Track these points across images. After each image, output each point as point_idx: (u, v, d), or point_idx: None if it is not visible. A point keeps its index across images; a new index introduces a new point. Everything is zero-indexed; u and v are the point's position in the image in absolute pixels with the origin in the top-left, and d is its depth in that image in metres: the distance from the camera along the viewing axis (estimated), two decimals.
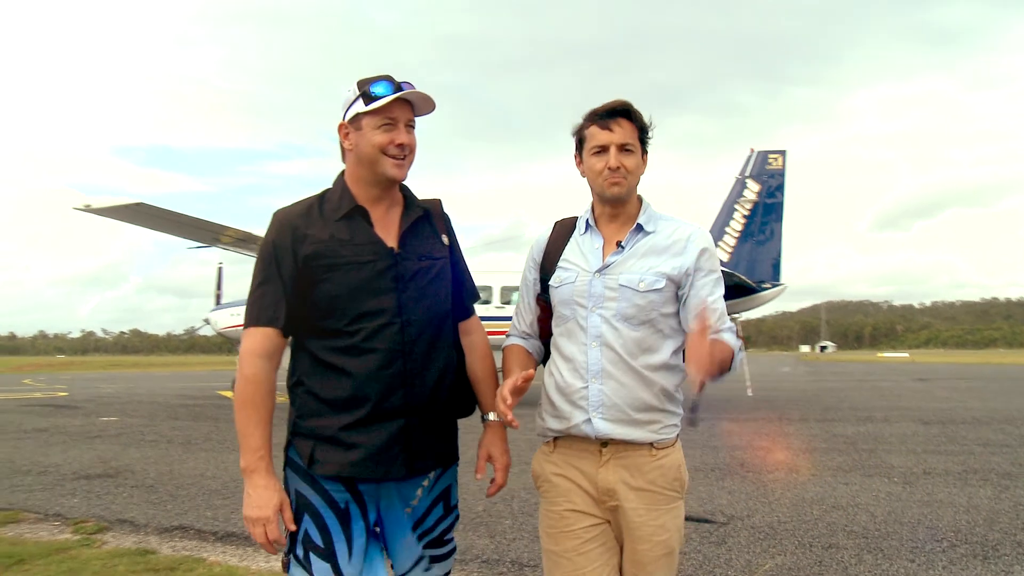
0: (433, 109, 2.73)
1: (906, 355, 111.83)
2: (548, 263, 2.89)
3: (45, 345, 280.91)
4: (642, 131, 2.78)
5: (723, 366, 2.49)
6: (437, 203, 2.90)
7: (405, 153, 2.67)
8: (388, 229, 2.70)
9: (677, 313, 2.76)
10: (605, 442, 2.69)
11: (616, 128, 2.74)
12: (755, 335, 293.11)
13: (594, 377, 2.69)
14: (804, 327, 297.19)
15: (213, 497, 8.30)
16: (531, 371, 2.66)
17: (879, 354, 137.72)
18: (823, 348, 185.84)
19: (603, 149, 2.73)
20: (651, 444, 2.69)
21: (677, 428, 2.77)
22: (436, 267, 2.74)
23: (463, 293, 2.91)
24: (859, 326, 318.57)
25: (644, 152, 2.81)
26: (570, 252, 2.85)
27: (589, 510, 2.73)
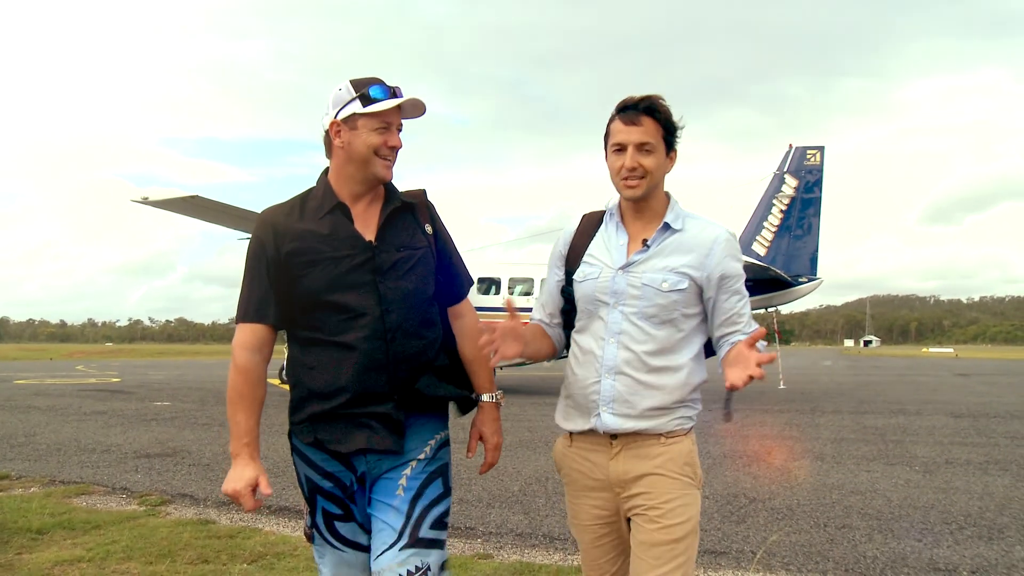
0: (422, 114, 2.83)
1: (951, 350, 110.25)
2: (573, 256, 2.88)
3: (94, 333, 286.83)
4: (667, 129, 2.71)
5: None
6: (421, 194, 2.96)
7: (394, 155, 2.78)
8: (368, 223, 2.78)
9: (700, 314, 2.74)
10: (615, 435, 2.71)
11: (636, 126, 2.69)
12: (799, 329, 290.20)
13: (608, 372, 2.69)
14: (849, 321, 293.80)
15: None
16: (526, 323, 2.74)
17: (924, 349, 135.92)
18: (867, 343, 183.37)
19: (622, 148, 2.70)
20: (661, 434, 2.68)
21: (691, 421, 2.75)
22: (416, 256, 2.80)
23: (453, 279, 2.97)
24: (905, 321, 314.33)
25: (671, 150, 2.75)
26: (595, 247, 2.84)
27: (603, 505, 2.77)
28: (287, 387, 2.84)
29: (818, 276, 22.97)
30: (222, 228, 20.81)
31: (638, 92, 2.75)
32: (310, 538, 2.83)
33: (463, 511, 6.97)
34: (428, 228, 2.88)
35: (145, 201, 16.37)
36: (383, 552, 2.67)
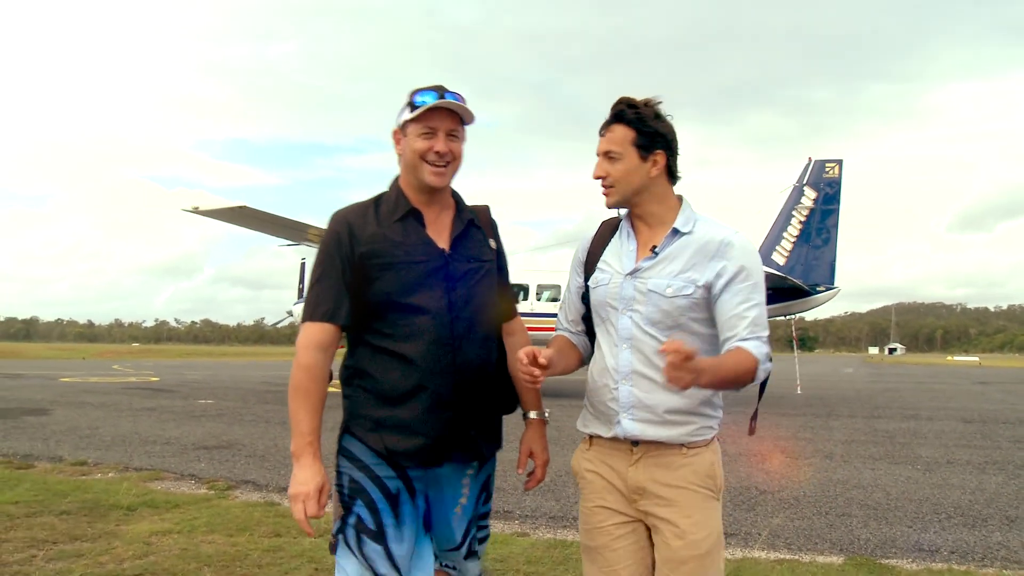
0: (472, 119, 2.80)
1: (976, 359, 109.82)
2: (591, 262, 2.88)
3: (120, 333, 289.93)
4: (640, 133, 2.66)
5: (734, 376, 2.47)
6: (486, 209, 2.99)
7: (446, 160, 2.74)
8: (440, 232, 2.79)
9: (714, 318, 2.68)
10: (636, 441, 2.68)
11: (604, 136, 2.70)
12: (823, 336, 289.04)
13: (624, 379, 2.67)
14: (873, 328, 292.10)
15: None
16: (551, 353, 2.62)
17: (948, 357, 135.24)
18: (892, 350, 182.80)
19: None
20: (682, 444, 2.64)
21: (713, 431, 2.71)
22: (484, 268, 2.84)
23: (508, 296, 3.03)
24: (931, 328, 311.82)
25: (650, 153, 2.67)
26: (608, 253, 2.83)
27: (621, 508, 2.72)
28: (339, 389, 2.87)
29: (835, 285, 23.72)
30: (249, 231, 21.73)
31: (664, 96, 2.71)
32: (333, 549, 2.76)
33: (501, 498, 7.75)
34: (492, 243, 2.93)
35: (196, 211, 17.32)
36: (460, 545, 2.88)
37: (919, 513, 7.43)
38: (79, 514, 6.66)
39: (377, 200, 2.83)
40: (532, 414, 3.00)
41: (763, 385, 2.84)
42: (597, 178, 2.72)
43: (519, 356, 2.49)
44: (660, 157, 2.68)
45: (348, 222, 2.74)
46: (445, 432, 2.70)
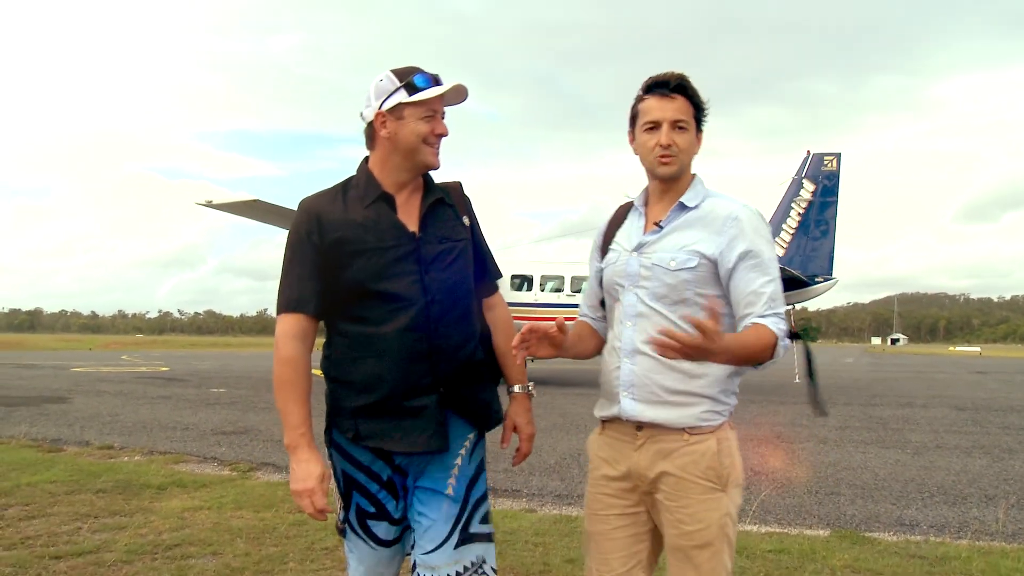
0: (464, 99, 2.81)
1: (977, 349, 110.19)
2: (605, 246, 2.87)
3: (124, 324, 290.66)
4: (697, 108, 2.67)
5: (753, 352, 2.43)
6: (457, 186, 2.94)
7: (439, 142, 2.76)
8: (410, 214, 2.74)
9: (724, 296, 2.62)
10: (640, 425, 2.64)
11: (670, 103, 2.64)
12: (826, 326, 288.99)
13: (626, 356, 2.65)
14: (876, 319, 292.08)
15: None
16: (561, 321, 2.61)
17: (950, 348, 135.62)
18: (894, 341, 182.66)
19: (655, 125, 2.64)
20: (684, 429, 2.58)
21: (722, 417, 2.64)
22: (457, 248, 2.78)
23: (485, 271, 2.97)
24: (933, 319, 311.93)
25: (699, 131, 2.70)
26: (620, 234, 2.82)
27: (622, 496, 2.70)
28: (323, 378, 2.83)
29: (833, 276, 24.19)
30: (252, 222, 22.07)
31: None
32: (342, 532, 2.80)
33: (509, 478, 8.21)
34: (466, 220, 2.88)
35: (209, 204, 17.80)
36: (434, 550, 2.69)
37: (904, 492, 7.89)
38: (114, 492, 7.12)
39: (345, 186, 2.79)
40: (516, 388, 2.97)
41: (810, 369, 3.07)
42: (665, 146, 2.63)
43: (524, 329, 2.53)
44: (701, 136, 2.72)
45: (317, 210, 2.70)
46: (425, 419, 2.66)
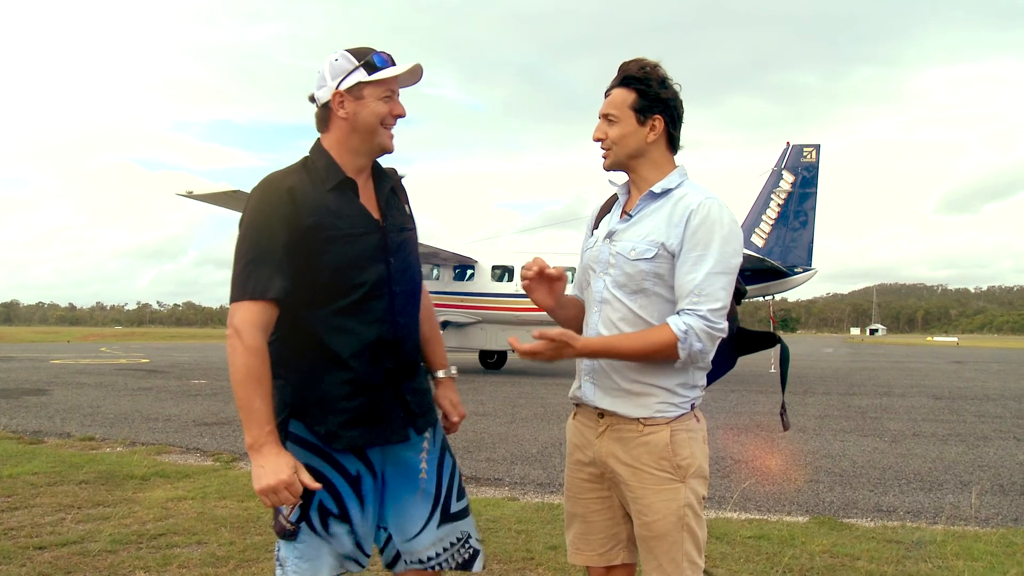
0: (419, 80, 2.72)
1: (955, 340, 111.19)
2: (591, 232, 2.91)
3: (103, 316, 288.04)
4: (641, 96, 2.62)
5: (637, 354, 2.53)
6: (394, 172, 2.86)
7: (395, 123, 2.68)
8: (370, 201, 2.67)
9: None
10: (601, 413, 2.68)
11: (606, 98, 2.68)
12: (805, 317, 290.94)
13: None
14: (855, 310, 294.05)
15: None
16: (561, 271, 2.76)
17: (928, 338, 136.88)
18: (873, 331, 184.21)
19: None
20: (638, 419, 2.60)
21: (676, 409, 2.61)
22: (412, 237, 2.77)
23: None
24: (912, 309, 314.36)
25: (648, 117, 2.63)
26: (604, 220, 2.84)
27: (596, 481, 2.75)
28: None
29: (812, 266, 24.35)
30: (233, 213, 21.96)
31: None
32: (292, 535, 2.55)
33: (491, 467, 8.28)
34: (407, 208, 2.83)
35: (190, 195, 17.69)
36: (418, 533, 2.70)
37: (881, 479, 8.00)
38: (97, 483, 7.11)
39: (304, 166, 2.62)
40: (440, 373, 2.98)
41: (784, 373, 3.08)
42: (596, 140, 2.69)
43: (531, 262, 2.70)
44: (658, 122, 2.63)
45: (290, 188, 2.50)
46: (392, 407, 2.63)
